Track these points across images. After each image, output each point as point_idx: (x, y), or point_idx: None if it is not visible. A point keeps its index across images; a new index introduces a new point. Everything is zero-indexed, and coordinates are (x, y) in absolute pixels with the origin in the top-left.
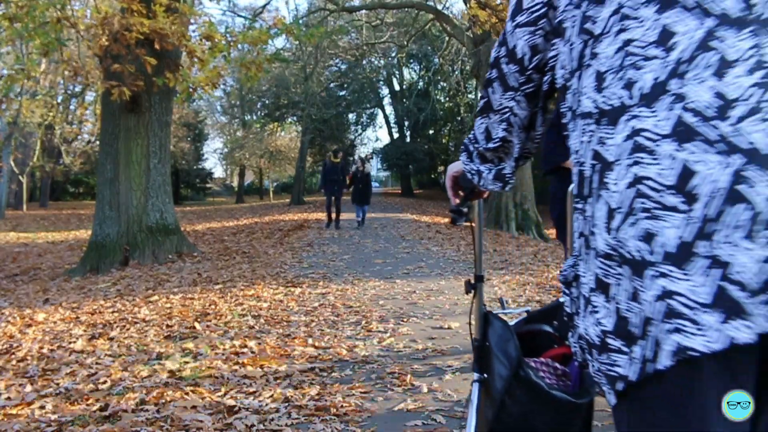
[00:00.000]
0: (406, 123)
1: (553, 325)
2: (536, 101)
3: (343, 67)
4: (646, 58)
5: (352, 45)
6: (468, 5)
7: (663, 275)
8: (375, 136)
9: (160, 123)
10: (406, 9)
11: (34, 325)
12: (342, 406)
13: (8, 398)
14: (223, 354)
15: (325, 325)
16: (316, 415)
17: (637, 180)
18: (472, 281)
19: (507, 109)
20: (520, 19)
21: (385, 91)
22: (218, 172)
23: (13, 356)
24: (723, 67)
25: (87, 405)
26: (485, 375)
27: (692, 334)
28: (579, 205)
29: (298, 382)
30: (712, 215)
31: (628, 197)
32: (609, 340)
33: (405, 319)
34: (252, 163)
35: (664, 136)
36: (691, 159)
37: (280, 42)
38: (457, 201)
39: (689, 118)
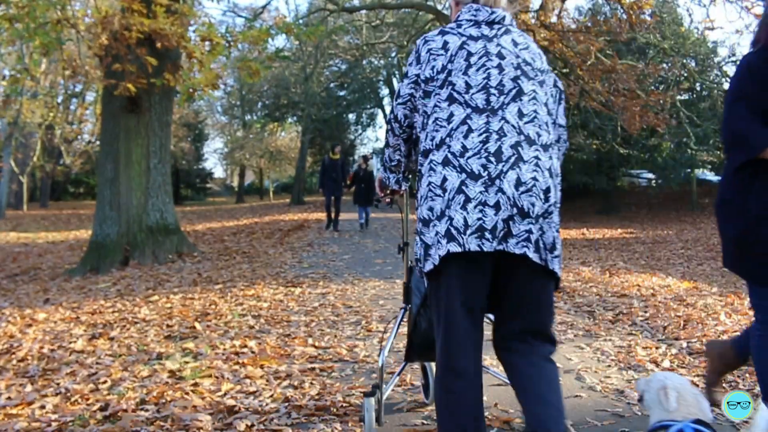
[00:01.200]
0: None
1: None
2: (410, 143)
3: (343, 67)
4: (441, 126)
5: (352, 45)
6: None
7: (434, 225)
8: (375, 136)
9: (160, 123)
10: (406, 9)
11: (34, 324)
12: (342, 406)
13: (9, 398)
14: (223, 354)
15: (325, 325)
16: (316, 415)
17: (429, 183)
18: (401, 246)
19: (397, 145)
20: (399, 100)
21: (385, 91)
22: (218, 172)
23: (13, 356)
24: (468, 133)
25: (87, 405)
26: (409, 305)
27: (440, 248)
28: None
29: (298, 382)
30: (451, 198)
31: (426, 192)
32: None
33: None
34: (252, 163)
35: (439, 163)
36: (446, 173)
37: (280, 42)
38: (382, 194)
39: (449, 156)
